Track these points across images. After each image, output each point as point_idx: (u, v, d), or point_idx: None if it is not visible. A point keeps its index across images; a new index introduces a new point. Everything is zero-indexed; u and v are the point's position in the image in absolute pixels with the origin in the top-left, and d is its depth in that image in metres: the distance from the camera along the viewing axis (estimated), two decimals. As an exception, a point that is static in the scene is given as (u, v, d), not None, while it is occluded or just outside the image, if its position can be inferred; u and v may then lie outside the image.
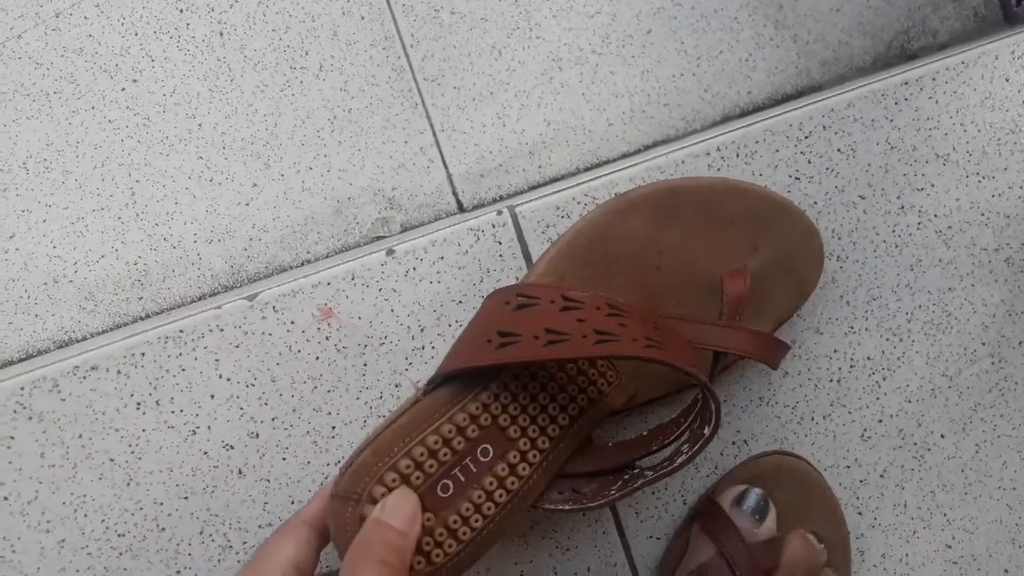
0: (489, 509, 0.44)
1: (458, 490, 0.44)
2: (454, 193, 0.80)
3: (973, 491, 0.59)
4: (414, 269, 0.52)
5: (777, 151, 0.56)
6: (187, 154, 0.74)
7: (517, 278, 0.53)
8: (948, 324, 0.59)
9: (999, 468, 0.60)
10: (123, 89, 0.72)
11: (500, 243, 0.53)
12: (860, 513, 0.58)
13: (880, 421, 0.58)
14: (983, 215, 0.59)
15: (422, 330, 0.52)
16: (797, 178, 0.56)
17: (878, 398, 0.58)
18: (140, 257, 0.72)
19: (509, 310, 0.46)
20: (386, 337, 0.52)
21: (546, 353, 0.42)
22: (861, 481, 0.58)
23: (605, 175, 0.55)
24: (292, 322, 0.51)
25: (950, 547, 0.59)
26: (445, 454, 0.44)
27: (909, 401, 0.58)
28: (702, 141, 0.55)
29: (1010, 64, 0.59)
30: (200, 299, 0.72)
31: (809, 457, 0.57)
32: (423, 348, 0.52)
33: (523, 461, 0.46)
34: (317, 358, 0.51)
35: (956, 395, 0.59)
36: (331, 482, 0.43)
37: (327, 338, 0.51)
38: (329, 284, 0.51)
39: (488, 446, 0.45)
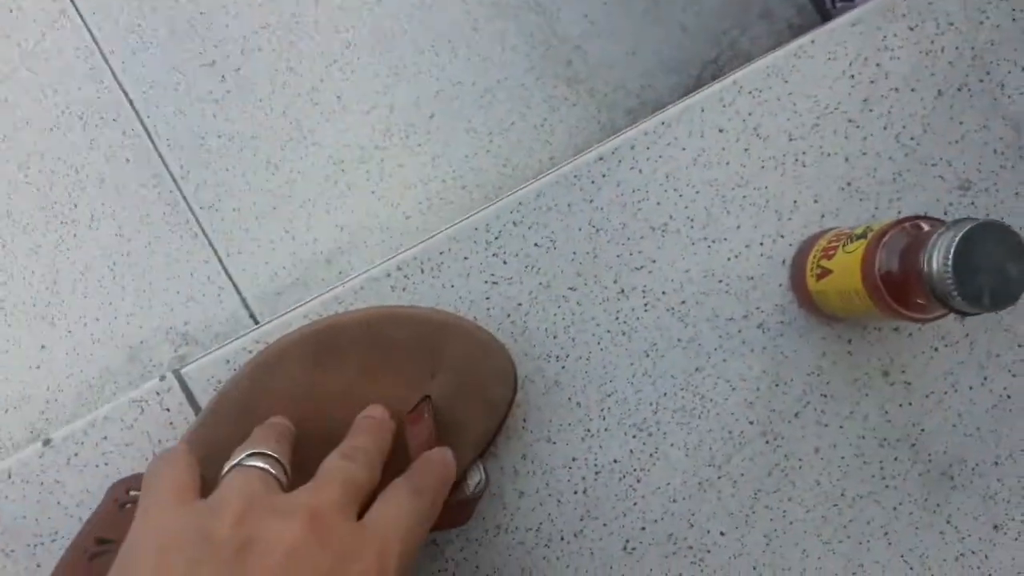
0: None
1: None
2: (251, 316, 0.77)
3: (772, 589, 0.53)
4: (76, 455, 0.49)
5: (466, 258, 0.51)
6: (-31, 329, 0.73)
7: (197, 444, 0.49)
8: (703, 408, 0.52)
9: (799, 558, 0.53)
10: None
11: (168, 410, 0.50)
12: (641, 634, 0.52)
13: (643, 528, 0.52)
14: (720, 282, 0.53)
15: (96, 519, 0.49)
16: (495, 282, 0.51)
17: (635, 503, 0.52)
18: (-64, 439, 0.70)
19: (115, 509, 0.42)
20: (56, 532, 0.48)
21: None
22: (634, 599, 0.52)
23: (276, 318, 0.51)
24: (-48, 535, 0.48)
25: (757, 656, 0.52)
26: None
27: (673, 501, 0.52)
28: (382, 263, 0.51)
29: (721, 113, 0.53)
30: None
31: (565, 583, 0.51)
32: (101, 537, 0.49)
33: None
34: (-14, 568, 0.48)
35: (729, 485, 0.52)
36: None
37: (-7, 545, 0.48)
38: (-14, 488, 0.48)
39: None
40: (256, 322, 0.77)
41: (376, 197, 0.79)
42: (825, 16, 0.84)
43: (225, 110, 0.77)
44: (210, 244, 0.77)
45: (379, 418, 0.43)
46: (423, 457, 0.42)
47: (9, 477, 0.48)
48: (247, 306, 0.77)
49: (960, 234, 0.39)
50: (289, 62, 0.78)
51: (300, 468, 0.40)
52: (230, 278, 0.77)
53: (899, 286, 0.43)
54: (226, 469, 0.37)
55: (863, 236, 0.45)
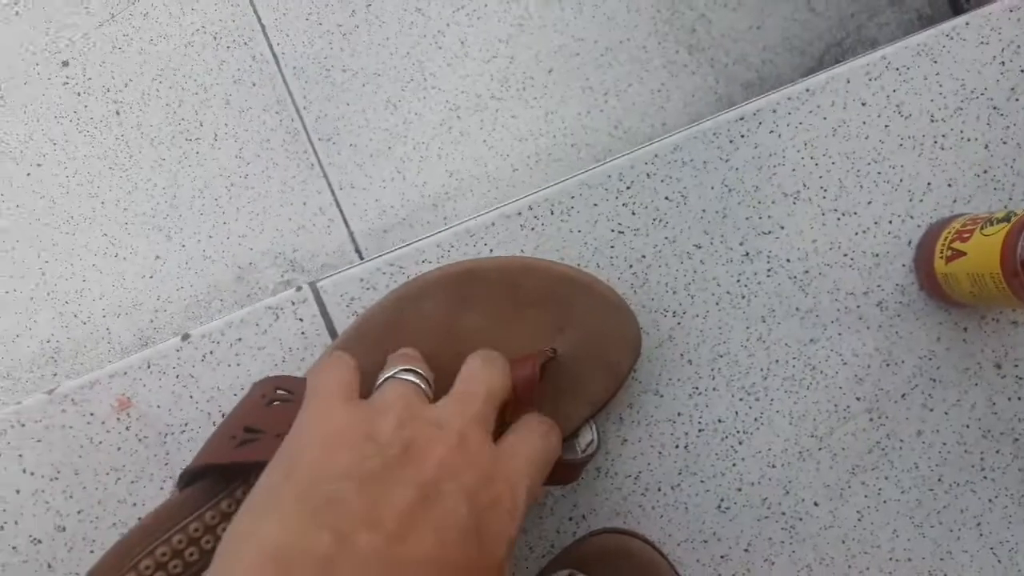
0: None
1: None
2: (357, 251, 0.80)
3: (858, 564, 0.53)
4: (211, 353, 0.51)
5: (596, 205, 0.52)
6: (92, 232, 0.76)
7: (323, 356, 0.52)
8: (813, 379, 0.53)
9: (889, 538, 0.53)
10: (28, 174, 0.75)
11: (302, 320, 0.52)
12: (725, 590, 0.53)
13: (739, 490, 0.53)
14: (845, 256, 0.53)
15: (223, 415, 0.51)
16: (621, 232, 0.52)
17: (735, 464, 0.53)
18: (52, 335, 0.74)
19: (263, 404, 0.44)
20: (187, 424, 0.51)
21: None
22: (722, 557, 0.53)
23: (411, 243, 0.52)
24: (92, 414, 0.51)
25: (836, 626, 0.53)
26: (191, 554, 0.42)
27: (772, 466, 0.53)
28: (515, 200, 0.52)
29: (866, 87, 0.53)
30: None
31: (657, 532, 0.52)
32: (226, 433, 0.51)
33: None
34: (119, 449, 0.51)
35: (829, 457, 0.53)
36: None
37: (127, 428, 0.51)
38: (126, 374, 0.51)
39: (242, 547, 0.43)
40: (361, 256, 0.79)
41: (487, 147, 0.80)
42: (956, 7, 0.83)
43: (352, 44, 0.79)
44: (324, 176, 0.79)
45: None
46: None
47: (148, 367, 0.51)
48: (354, 240, 0.79)
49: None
50: (418, 3, 0.79)
51: None
52: (340, 211, 0.79)
53: (1041, 273, 0.43)
54: (382, 379, 0.39)
55: (1005, 220, 0.45)
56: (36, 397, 0.51)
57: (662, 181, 0.52)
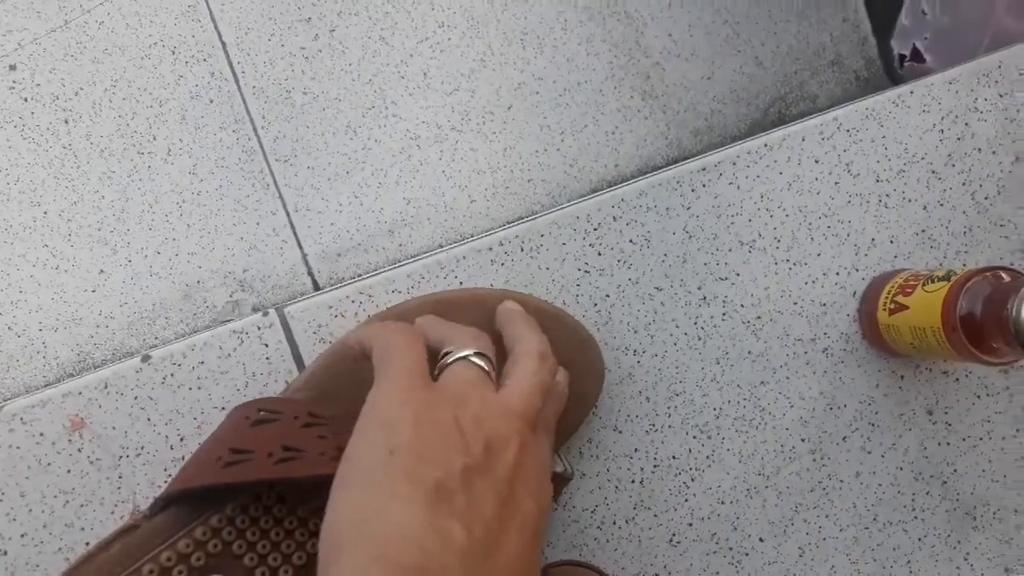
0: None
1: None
2: (309, 273, 0.79)
3: (798, 597, 0.56)
4: (171, 375, 0.50)
5: (564, 244, 0.54)
6: (32, 242, 0.74)
7: (287, 382, 0.51)
8: (762, 420, 0.55)
9: (827, 572, 0.56)
10: (-35, 179, 0.72)
11: (267, 345, 0.51)
12: (673, 623, 0.54)
13: (690, 524, 0.55)
14: (795, 304, 0.56)
15: (182, 440, 0.50)
16: (587, 271, 0.54)
17: (687, 500, 0.55)
18: (-18, 347, 0.71)
19: (247, 425, 0.43)
20: (143, 448, 0.50)
21: (275, 471, 0.40)
22: (671, 589, 0.54)
23: (381, 271, 0.53)
24: (41, 434, 0.49)
25: (775, 658, 0.55)
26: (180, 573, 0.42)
27: (721, 503, 0.55)
28: (485, 235, 0.53)
29: (819, 146, 0.56)
30: (46, 387, 0.71)
31: (611, 564, 0.53)
32: (183, 458, 0.50)
33: (257, 592, 0.43)
34: (69, 471, 0.49)
35: (775, 496, 0.56)
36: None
37: (79, 450, 0.49)
38: (80, 394, 0.50)
39: (219, 576, 0.42)
40: (313, 279, 0.79)
41: (446, 177, 0.81)
42: (891, 72, 0.88)
43: (314, 68, 0.79)
44: (280, 197, 0.79)
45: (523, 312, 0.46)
46: None
47: (105, 387, 0.50)
48: (307, 262, 0.79)
49: (1050, 289, 0.42)
50: (383, 32, 0.80)
51: None
52: (295, 233, 0.78)
53: (977, 328, 0.46)
54: (453, 357, 0.38)
55: (945, 279, 0.49)
56: (-19, 416, 0.49)
57: (627, 224, 0.54)
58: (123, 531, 0.42)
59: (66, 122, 0.75)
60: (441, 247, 0.79)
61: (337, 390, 0.48)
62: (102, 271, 0.75)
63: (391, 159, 0.82)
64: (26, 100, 0.75)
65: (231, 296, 0.78)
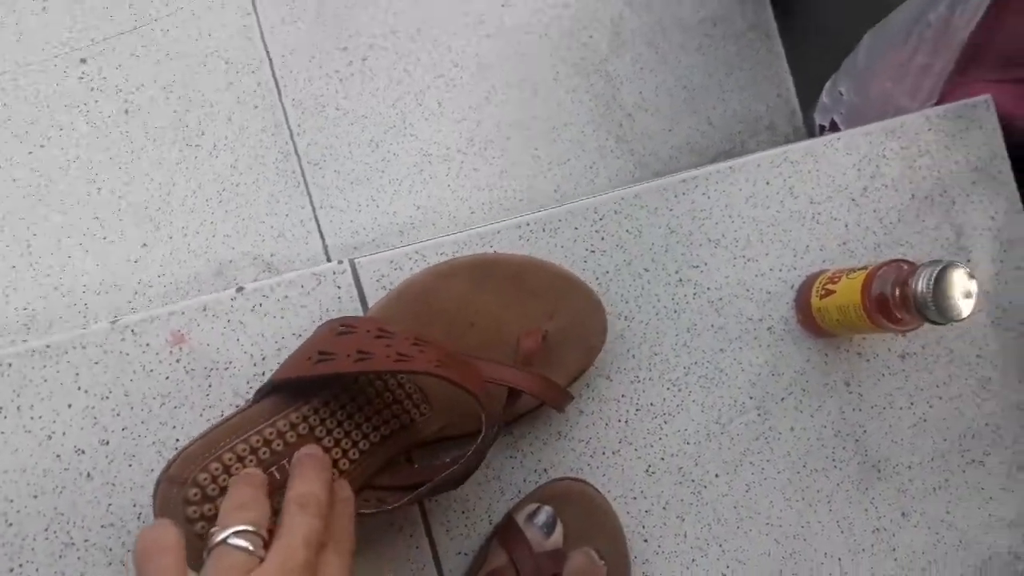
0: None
1: (274, 486, 0.52)
2: (328, 261, 0.90)
3: (744, 526, 0.69)
4: (260, 305, 0.61)
5: (576, 228, 0.68)
6: (84, 213, 0.83)
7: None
8: (720, 379, 0.70)
9: (767, 507, 0.70)
10: (30, 152, 0.82)
11: (339, 288, 0.63)
12: (646, 540, 0.67)
13: (662, 459, 0.68)
14: (748, 291, 0.71)
15: (264, 358, 0.61)
16: (592, 251, 0.68)
17: (660, 439, 0.68)
18: (29, 304, 0.79)
19: (332, 335, 0.55)
20: (230, 363, 0.60)
21: (352, 367, 0.52)
22: (646, 511, 0.67)
23: (434, 238, 0.66)
24: (147, 344, 0.59)
25: (724, 575, 0.68)
26: (265, 453, 0.52)
27: (687, 443, 0.69)
28: (515, 217, 0.67)
29: (770, 171, 0.73)
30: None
31: (600, 486, 0.66)
32: (263, 374, 0.61)
33: (334, 468, 0.54)
34: (167, 378, 0.59)
35: (728, 440, 0.70)
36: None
37: (177, 361, 0.59)
38: (183, 313, 0.60)
39: (304, 451, 0.53)
40: (331, 266, 0.89)
41: (451, 191, 0.95)
42: (813, 136, 1.08)
43: (346, 88, 0.92)
44: (308, 194, 0.91)
45: (319, 456, 0.49)
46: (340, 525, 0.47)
47: (204, 310, 0.60)
48: (327, 251, 0.90)
49: (937, 269, 0.59)
50: (406, 65, 0.94)
51: (422, 342, 0.54)
52: (318, 226, 0.90)
53: (886, 303, 0.63)
54: (216, 541, 0.40)
55: (863, 269, 0.66)
56: (100, 325, 0.59)
57: (625, 218, 0.69)
58: (238, 411, 0.53)
59: (126, 112, 0.86)
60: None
61: (400, 318, 0.60)
62: (144, 244, 0.85)
63: (406, 171, 0.95)
64: (92, 90, 0.85)
65: (257, 276, 0.89)
